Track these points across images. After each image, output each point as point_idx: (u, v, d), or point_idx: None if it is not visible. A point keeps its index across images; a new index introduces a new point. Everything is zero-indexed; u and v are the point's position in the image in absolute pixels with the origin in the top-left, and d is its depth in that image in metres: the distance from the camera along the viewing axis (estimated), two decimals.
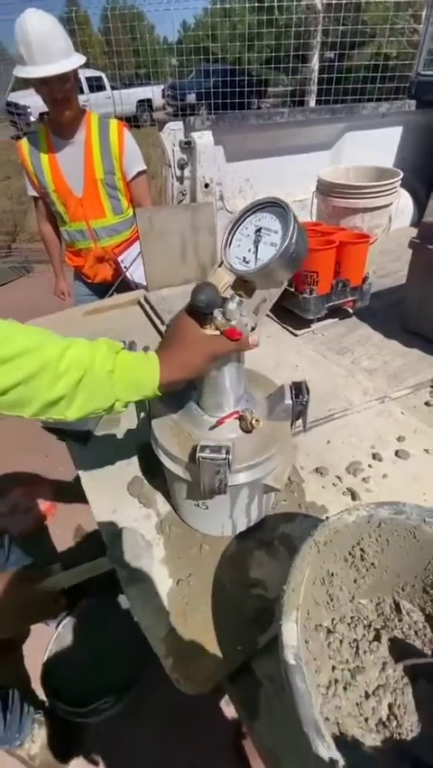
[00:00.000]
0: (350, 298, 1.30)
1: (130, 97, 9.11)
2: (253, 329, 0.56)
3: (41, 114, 7.61)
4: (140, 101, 9.94)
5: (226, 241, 0.50)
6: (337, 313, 1.35)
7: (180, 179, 1.61)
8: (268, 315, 1.34)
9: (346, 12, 4.00)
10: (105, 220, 1.74)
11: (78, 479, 0.88)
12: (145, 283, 1.53)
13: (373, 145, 2.00)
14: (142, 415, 0.67)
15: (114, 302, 1.55)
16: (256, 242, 0.47)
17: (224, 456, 0.53)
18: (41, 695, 1.20)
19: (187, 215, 1.44)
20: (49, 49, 1.39)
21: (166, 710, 1.28)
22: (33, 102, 7.46)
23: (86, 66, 1.52)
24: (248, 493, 0.65)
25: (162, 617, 0.64)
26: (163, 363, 0.55)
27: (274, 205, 0.46)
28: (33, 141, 1.62)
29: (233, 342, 0.52)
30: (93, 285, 1.91)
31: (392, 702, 0.51)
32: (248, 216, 0.49)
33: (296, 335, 1.29)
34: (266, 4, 4.02)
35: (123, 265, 1.78)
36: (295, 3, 4.15)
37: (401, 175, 1.53)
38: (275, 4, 4.04)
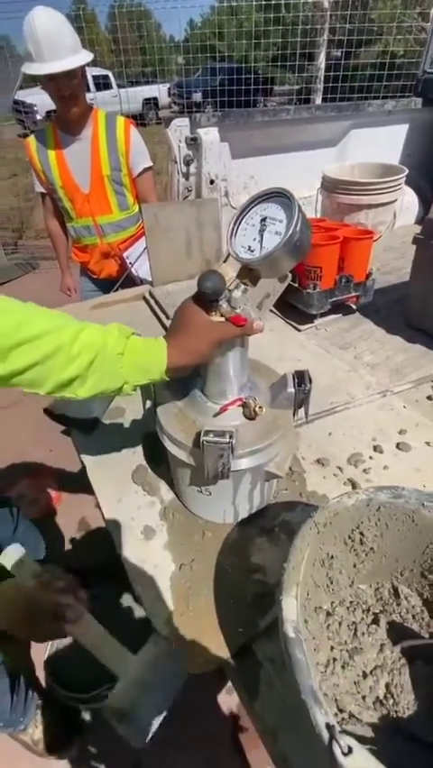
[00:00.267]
0: (353, 294, 1.31)
1: (136, 96, 9.12)
2: None
3: (48, 113, 7.66)
4: (146, 99, 9.95)
5: (232, 230, 0.51)
6: (341, 308, 1.36)
7: (186, 176, 1.62)
8: (271, 311, 1.35)
9: (354, 10, 4.00)
10: (111, 216, 1.76)
11: (82, 470, 0.90)
12: (150, 279, 1.55)
13: (378, 143, 2.01)
14: (148, 404, 0.68)
15: (119, 297, 1.56)
16: (261, 231, 0.49)
17: (227, 440, 0.54)
18: (44, 682, 1.22)
19: (192, 211, 1.45)
20: (57, 46, 1.41)
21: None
22: (40, 100, 7.50)
23: (93, 64, 1.53)
24: (250, 479, 0.66)
25: (166, 601, 0.65)
26: (170, 348, 0.57)
27: (279, 196, 0.48)
28: (41, 138, 1.64)
29: (238, 327, 0.53)
30: (98, 281, 1.93)
31: (390, 682, 0.52)
32: (254, 206, 0.50)
33: (299, 330, 1.31)
34: (273, 2, 4.02)
35: (128, 261, 1.80)
36: (302, 1, 4.15)
37: (406, 172, 1.53)
38: (282, 2, 4.04)
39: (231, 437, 0.56)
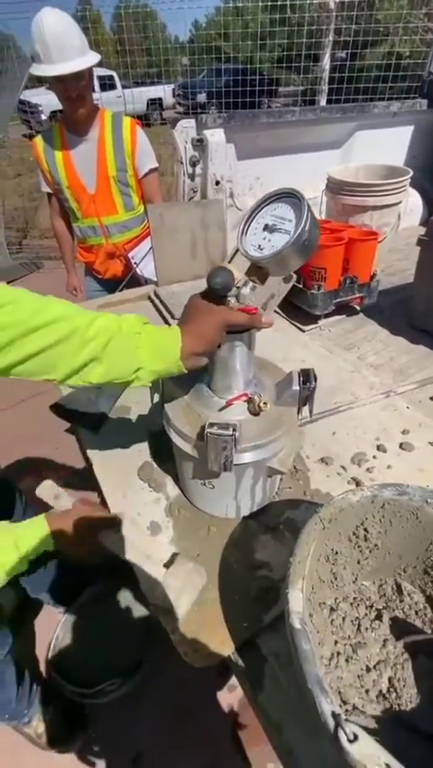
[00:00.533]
0: (358, 295, 1.31)
1: (141, 96, 9.16)
2: None
3: (53, 113, 7.69)
4: (150, 100, 9.98)
5: (243, 229, 0.52)
6: (345, 309, 1.37)
7: (192, 176, 1.63)
8: (276, 311, 1.36)
9: (360, 10, 4.00)
10: (117, 216, 1.77)
11: (86, 468, 0.91)
12: (155, 279, 1.56)
13: (383, 144, 2.01)
14: (156, 398, 0.69)
15: (124, 296, 1.58)
16: (271, 230, 0.50)
17: (230, 433, 0.55)
18: (49, 676, 1.23)
19: (197, 212, 1.46)
20: (65, 47, 1.42)
21: (167, 700, 1.31)
22: (45, 100, 7.54)
23: (98, 65, 1.55)
24: (253, 474, 0.67)
25: (171, 596, 0.66)
26: (183, 334, 0.58)
27: (289, 196, 0.49)
28: (48, 139, 1.66)
29: (245, 314, 0.54)
30: (103, 281, 1.94)
31: (392, 676, 0.53)
32: (265, 206, 0.51)
33: (303, 331, 1.31)
34: (279, 3, 4.03)
35: (133, 261, 1.81)
36: (308, 2, 4.16)
37: (411, 173, 1.54)
38: (288, 2, 4.05)
39: (234, 430, 0.57)
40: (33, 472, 2.02)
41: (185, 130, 1.55)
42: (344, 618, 0.57)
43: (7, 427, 2.39)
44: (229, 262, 1.56)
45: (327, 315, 1.33)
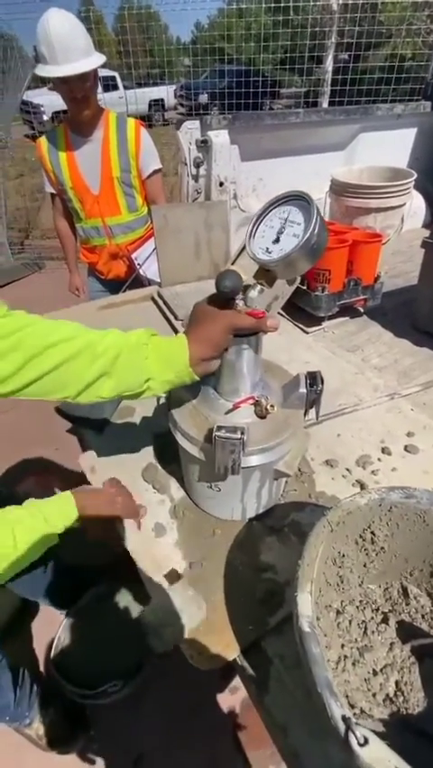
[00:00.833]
0: (361, 297, 1.31)
1: (143, 97, 9.16)
2: None
3: (55, 113, 7.69)
4: (152, 101, 9.99)
5: (251, 232, 0.52)
6: (348, 311, 1.37)
7: (196, 178, 1.64)
8: (280, 313, 1.36)
9: (363, 12, 4.01)
10: (121, 217, 1.77)
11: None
12: (158, 280, 1.56)
13: (386, 146, 2.01)
14: (161, 400, 0.69)
15: (127, 297, 1.58)
16: (279, 233, 0.50)
17: (239, 436, 0.55)
18: (50, 677, 1.23)
19: (201, 213, 1.46)
20: (70, 48, 1.43)
21: (168, 701, 1.31)
22: (48, 101, 7.54)
23: (102, 66, 1.55)
24: (259, 477, 0.67)
25: (175, 599, 0.66)
26: (190, 341, 0.58)
27: (298, 199, 0.49)
28: (52, 139, 1.66)
29: (251, 317, 0.54)
30: (106, 281, 1.94)
31: (399, 680, 0.53)
32: (273, 209, 0.51)
33: (307, 333, 1.31)
34: (282, 5, 4.03)
35: (136, 262, 1.81)
36: (311, 3, 4.16)
37: (415, 176, 1.54)
38: (291, 4, 4.05)
39: (243, 434, 0.57)
40: (34, 474, 2.02)
41: (189, 131, 1.55)
42: (350, 622, 0.57)
43: (8, 428, 2.39)
44: (233, 264, 1.56)
45: (330, 317, 1.33)
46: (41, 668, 1.37)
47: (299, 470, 0.84)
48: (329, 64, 4.52)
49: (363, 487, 0.82)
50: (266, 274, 0.52)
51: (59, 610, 1.31)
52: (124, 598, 1.24)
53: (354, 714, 0.48)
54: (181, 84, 9.70)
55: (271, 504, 0.76)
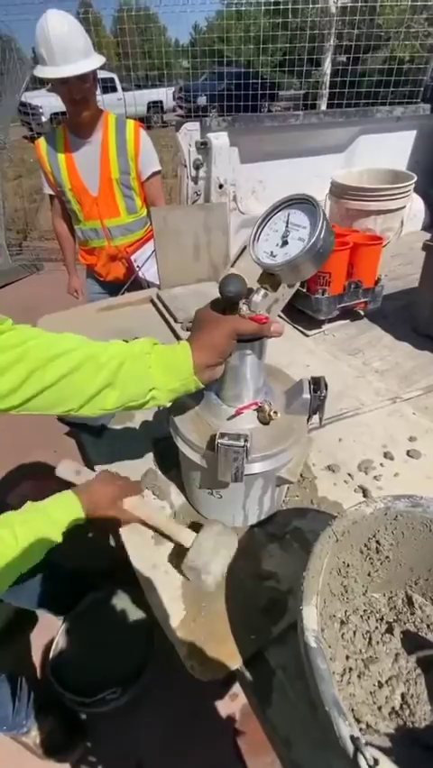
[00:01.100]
0: (362, 300, 1.31)
1: (141, 99, 9.15)
2: None
3: (54, 115, 7.68)
4: (151, 103, 9.99)
5: (255, 235, 0.51)
6: (349, 314, 1.36)
7: (195, 180, 1.63)
8: (280, 316, 1.36)
9: (361, 15, 4.01)
10: (120, 219, 1.76)
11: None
12: (157, 282, 1.55)
13: (386, 149, 2.01)
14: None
15: (127, 299, 1.57)
16: (284, 237, 0.49)
17: (242, 444, 0.54)
18: (48, 684, 1.21)
19: (201, 215, 1.46)
20: (69, 49, 1.42)
21: (167, 707, 1.29)
22: (47, 102, 7.52)
23: (101, 67, 1.54)
24: (262, 484, 0.66)
25: (177, 606, 0.65)
26: (193, 348, 0.57)
27: (304, 202, 0.48)
28: (51, 141, 1.65)
29: (255, 323, 0.54)
30: (105, 283, 1.93)
31: (405, 692, 0.52)
32: (277, 212, 0.50)
33: (307, 336, 1.31)
34: (280, 8, 4.04)
35: (135, 264, 1.80)
36: (310, 6, 4.17)
37: (415, 178, 1.54)
38: (289, 7, 4.06)
39: (246, 441, 0.56)
40: (32, 477, 2.00)
41: (189, 133, 1.54)
42: (354, 632, 0.56)
43: (6, 431, 2.37)
44: (232, 266, 1.54)
45: (331, 320, 1.32)
46: (39, 675, 1.35)
47: (301, 475, 0.83)
48: (328, 66, 4.53)
49: (365, 492, 0.81)
50: (270, 278, 0.51)
51: (56, 616, 1.29)
52: (124, 603, 1.23)
53: (361, 729, 0.47)
54: (180, 86, 9.71)
55: (273, 510, 0.75)
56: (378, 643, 0.56)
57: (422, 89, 2.18)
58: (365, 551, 0.56)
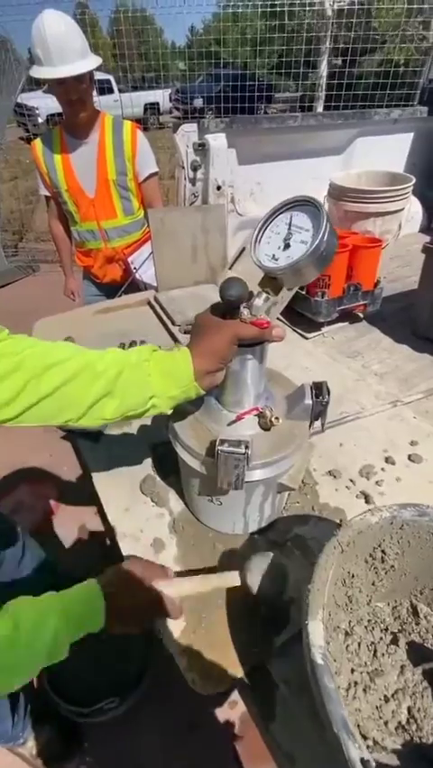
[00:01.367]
0: (361, 302, 1.30)
1: (138, 100, 9.15)
2: None
3: (50, 116, 7.66)
4: (147, 104, 9.99)
5: (256, 238, 0.50)
6: (348, 317, 1.35)
7: (193, 181, 1.62)
8: (279, 318, 1.35)
9: (357, 18, 4.03)
10: (116, 221, 1.75)
11: (81, 478, 0.88)
12: (155, 284, 1.54)
13: (383, 151, 2.01)
14: None
15: (124, 302, 1.55)
16: (286, 240, 0.47)
17: (243, 451, 0.53)
18: (44, 694, 1.19)
19: (198, 217, 1.45)
20: (65, 50, 1.40)
21: (166, 716, 1.28)
22: (43, 103, 7.50)
23: (97, 68, 1.53)
24: (263, 491, 0.65)
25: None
26: (193, 354, 0.56)
27: (307, 204, 0.47)
28: (47, 141, 1.63)
29: (256, 328, 0.52)
30: (102, 285, 1.91)
31: (412, 706, 0.51)
32: (279, 214, 0.49)
33: (306, 338, 1.30)
34: (277, 10, 4.05)
35: (132, 266, 1.79)
36: (306, 9, 4.18)
37: (413, 180, 1.53)
38: (286, 9, 4.07)
39: (247, 448, 0.54)
40: (28, 481, 1.97)
41: (186, 134, 1.53)
42: (359, 644, 0.55)
43: (1, 433, 2.34)
44: (231, 268, 1.53)
45: (330, 323, 1.31)
46: (35, 684, 1.33)
47: (302, 481, 0.81)
48: (324, 69, 4.54)
49: (367, 499, 0.80)
50: (271, 282, 0.50)
51: None
52: None
53: (367, 747, 0.46)
54: (177, 88, 9.72)
55: (274, 517, 0.74)
56: (383, 654, 0.55)
57: (418, 92, 2.19)
58: (370, 560, 0.54)
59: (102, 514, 0.80)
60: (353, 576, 0.53)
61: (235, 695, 1.27)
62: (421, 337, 1.27)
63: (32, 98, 7.62)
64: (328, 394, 0.60)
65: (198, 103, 8.39)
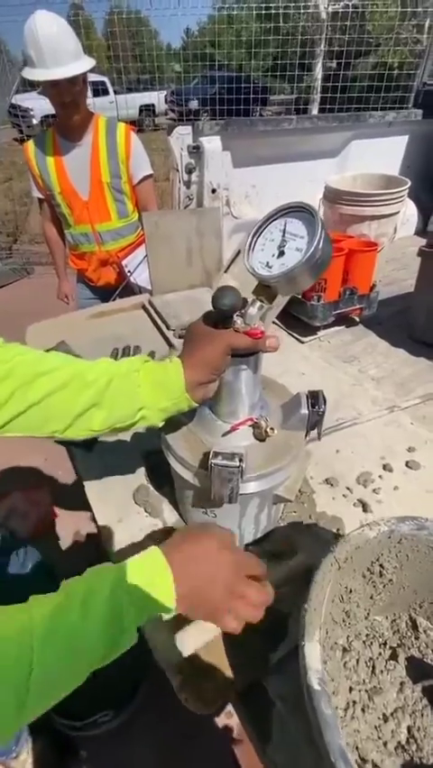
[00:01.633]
0: (357, 306, 1.29)
1: (133, 102, 9.14)
2: None
3: (45, 117, 7.64)
4: (143, 106, 9.98)
5: (250, 245, 0.49)
6: (344, 320, 1.34)
7: (188, 184, 1.60)
8: (274, 322, 1.33)
9: (351, 21, 4.04)
10: (111, 223, 1.73)
11: (77, 483, 0.86)
12: (149, 287, 1.52)
13: (378, 154, 2.01)
14: None
15: (118, 306, 1.53)
16: (281, 247, 0.46)
17: (237, 464, 0.52)
18: None
19: (193, 220, 1.43)
20: (59, 51, 1.39)
21: (162, 727, 1.26)
22: (37, 105, 7.48)
23: (91, 70, 1.51)
24: (258, 503, 0.63)
25: (170, 633, 0.62)
26: (185, 365, 0.55)
27: (301, 210, 0.45)
28: (39, 143, 1.62)
29: (249, 338, 0.51)
30: (96, 288, 1.90)
31: (411, 725, 0.49)
32: (273, 221, 0.48)
33: (302, 342, 1.29)
34: (271, 12, 4.06)
35: (127, 269, 1.77)
36: (301, 12, 4.19)
37: (409, 183, 1.53)
38: (280, 12, 4.08)
39: (241, 460, 0.53)
40: (22, 487, 1.95)
41: (181, 137, 1.52)
42: (357, 660, 0.53)
43: None
44: (226, 271, 1.51)
45: (326, 327, 1.30)
46: None
47: (300, 490, 0.80)
48: (319, 71, 4.55)
49: (364, 506, 0.79)
50: (266, 290, 0.49)
51: None
52: None
53: None
54: (172, 89, 9.72)
55: (270, 528, 0.72)
56: (382, 671, 0.53)
57: (412, 95, 2.18)
58: (368, 575, 0.53)
59: (96, 522, 0.78)
60: (350, 591, 0.52)
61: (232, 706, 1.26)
62: (418, 341, 1.26)
63: (27, 99, 7.61)
64: (325, 403, 0.59)
65: (194, 105, 8.40)
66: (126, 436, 0.94)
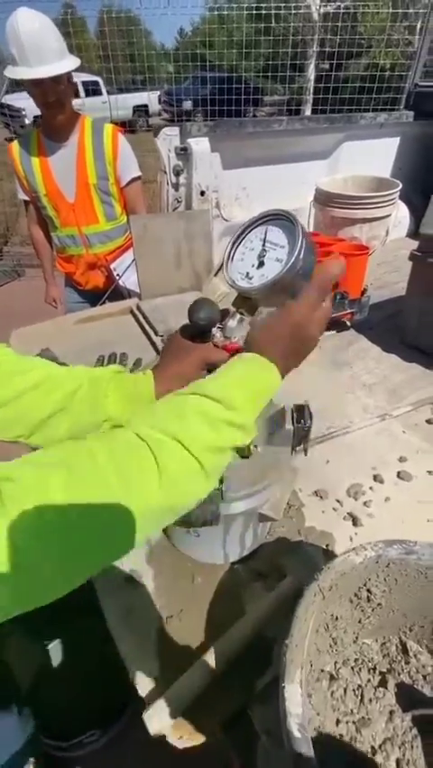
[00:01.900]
0: (348, 311, 1.27)
1: (126, 103, 9.09)
2: None
3: (36, 117, 7.57)
4: (136, 106, 9.93)
5: (229, 255, 0.46)
6: (335, 325, 1.32)
7: (176, 186, 1.58)
8: None
9: (343, 22, 4.03)
10: (98, 226, 1.70)
11: None
12: (138, 290, 1.49)
13: (370, 155, 1.99)
14: None
15: (106, 310, 1.50)
16: (261, 257, 0.43)
17: (216, 486, 0.49)
18: None
19: (182, 223, 1.41)
20: (41, 50, 1.35)
21: (151, 746, 1.22)
22: (29, 105, 7.41)
23: (82, 70, 1.48)
24: (243, 522, 0.61)
25: (151, 661, 0.59)
26: (157, 377, 0.53)
27: (281, 218, 0.43)
28: (24, 144, 1.58)
29: (227, 352, 0.48)
30: (84, 292, 1.86)
31: (400, 758, 0.47)
32: (253, 229, 0.45)
33: None
34: (263, 13, 4.04)
35: (115, 273, 1.74)
36: (293, 12, 4.18)
37: (400, 186, 1.51)
38: (272, 12, 4.06)
39: (220, 482, 0.50)
40: None
41: (168, 138, 1.49)
42: (345, 689, 0.51)
43: None
44: (216, 275, 1.48)
45: None
46: None
47: (288, 503, 0.77)
48: (311, 72, 4.54)
49: (354, 520, 0.76)
50: (246, 302, 0.46)
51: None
52: (102, 639, 1.15)
53: None
54: (165, 90, 9.68)
55: (257, 545, 0.70)
56: (371, 700, 0.51)
57: (404, 96, 2.17)
58: (355, 600, 0.51)
59: None
60: (336, 618, 0.49)
61: None
62: (410, 345, 1.24)
63: (18, 99, 7.53)
64: (311, 418, 0.56)
65: (188, 105, 8.36)
66: None
